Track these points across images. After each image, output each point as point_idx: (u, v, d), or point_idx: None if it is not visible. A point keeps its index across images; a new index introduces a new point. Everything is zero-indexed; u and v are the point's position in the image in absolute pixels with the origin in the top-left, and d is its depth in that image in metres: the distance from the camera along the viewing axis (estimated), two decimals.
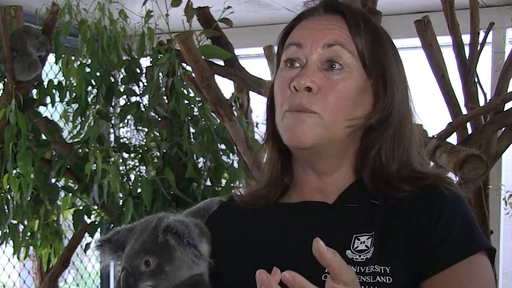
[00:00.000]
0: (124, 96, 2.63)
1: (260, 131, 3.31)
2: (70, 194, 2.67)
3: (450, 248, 1.00)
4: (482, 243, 1.03)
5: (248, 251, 1.10)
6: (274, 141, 1.15)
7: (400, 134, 1.09)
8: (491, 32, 2.45)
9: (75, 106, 2.58)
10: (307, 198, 1.13)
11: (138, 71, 2.60)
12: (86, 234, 2.74)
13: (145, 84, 2.59)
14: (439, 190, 1.05)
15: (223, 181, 2.61)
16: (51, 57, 2.62)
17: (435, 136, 2.03)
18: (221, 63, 2.53)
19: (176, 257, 1.00)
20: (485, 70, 3.07)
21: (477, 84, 2.41)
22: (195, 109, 2.56)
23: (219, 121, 2.41)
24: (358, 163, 1.10)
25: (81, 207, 2.62)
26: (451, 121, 2.20)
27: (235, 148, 2.41)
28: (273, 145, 1.16)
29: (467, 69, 2.40)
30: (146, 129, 2.63)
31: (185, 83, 2.58)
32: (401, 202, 1.06)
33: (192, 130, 2.56)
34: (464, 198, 1.09)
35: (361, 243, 1.03)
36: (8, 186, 2.46)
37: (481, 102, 2.39)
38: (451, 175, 1.24)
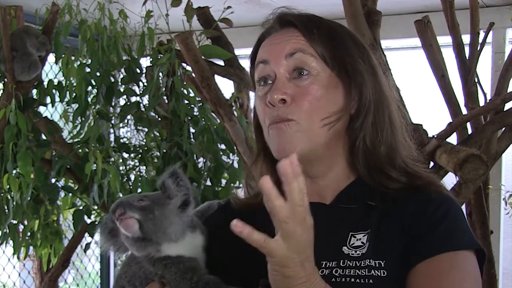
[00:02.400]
0: (124, 96, 2.63)
1: None
2: (70, 194, 2.67)
3: (436, 239, 1.05)
4: (470, 242, 1.06)
5: (245, 251, 1.08)
6: (265, 155, 1.19)
7: (379, 120, 1.13)
8: (491, 32, 2.45)
9: (75, 106, 2.58)
10: None
11: (138, 71, 2.60)
12: (86, 234, 2.74)
13: (145, 84, 2.59)
14: (433, 194, 1.10)
15: (223, 181, 2.61)
16: (51, 57, 2.62)
17: (435, 136, 2.03)
18: (221, 63, 2.53)
19: (167, 208, 1.09)
20: (485, 70, 3.07)
21: (477, 84, 2.41)
22: (195, 109, 2.56)
23: (219, 121, 2.40)
24: (350, 159, 1.15)
25: (81, 207, 2.62)
26: (451, 121, 2.20)
27: (235, 148, 2.41)
28: (264, 158, 1.20)
29: (467, 69, 2.40)
30: (146, 129, 2.63)
31: (185, 83, 2.58)
32: (396, 203, 1.10)
33: (192, 130, 2.56)
34: (458, 203, 1.13)
35: (357, 240, 1.07)
36: (8, 186, 2.46)
37: (481, 102, 2.39)
38: (445, 180, 1.27)
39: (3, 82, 2.52)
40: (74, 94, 2.55)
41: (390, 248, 1.05)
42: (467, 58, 2.42)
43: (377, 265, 1.03)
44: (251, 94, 3.29)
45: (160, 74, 2.50)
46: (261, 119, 1.16)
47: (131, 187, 2.52)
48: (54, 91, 2.58)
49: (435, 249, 1.04)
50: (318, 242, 1.04)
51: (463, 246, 1.05)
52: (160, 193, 1.12)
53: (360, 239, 1.07)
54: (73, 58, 2.56)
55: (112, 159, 2.52)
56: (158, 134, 2.65)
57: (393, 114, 1.16)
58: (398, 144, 1.15)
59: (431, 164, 2.03)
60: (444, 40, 2.59)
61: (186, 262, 1.07)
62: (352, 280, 1.02)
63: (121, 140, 2.70)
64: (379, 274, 1.02)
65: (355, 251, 1.06)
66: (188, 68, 2.49)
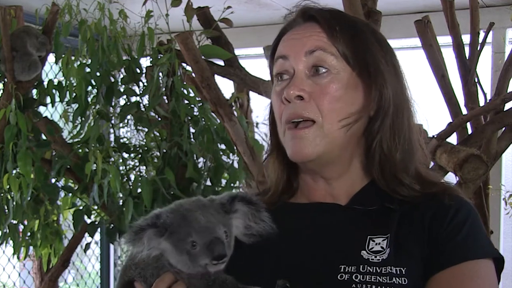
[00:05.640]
0: (124, 96, 2.62)
1: (260, 131, 3.31)
2: (70, 194, 2.67)
3: (455, 247, 1.02)
4: (489, 251, 1.04)
5: (260, 250, 1.09)
6: (279, 152, 1.17)
7: (398, 123, 1.10)
8: (491, 32, 2.45)
9: (75, 106, 2.58)
10: (317, 200, 1.14)
11: (138, 71, 2.60)
12: (86, 234, 2.74)
13: (145, 84, 2.59)
14: (450, 201, 1.07)
15: (223, 181, 2.61)
16: (51, 57, 2.62)
17: (435, 136, 2.03)
18: (221, 63, 2.53)
19: (233, 231, 1.05)
20: (485, 70, 3.07)
21: (477, 84, 2.41)
22: (195, 109, 2.56)
23: (219, 121, 2.40)
24: (365, 161, 1.12)
25: (81, 207, 2.62)
26: (451, 121, 2.20)
27: (235, 148, 2.41)
28: (277, 156, 1.18)
29: (467, 69, 2.40)
30: (146, 129, 2.63)
31: (185, 83, 2.58)
32: (415, 208, 1.07)
33: (192, 130, 2.56)
34: (475, 210, 1.10)
35: (376, 244, 1.04)
36: (8, 186, 2.46)
37: (481, 102, 2.39)
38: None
39: (3, 82, 2.52)
40: (74, 94, 2.55)
41: (411, 255, 1.03)
42: (467, 58, 2.42)
43: (398, 273, 1.00)
44: (251, 94, 3.29)
45: (160, 74, 2.50)
46: (276, 115, 1.13)
47: (131, 187, 2.52)
48: (54, 91, 2.58)
49: (455, 258, 1.01)
50: (335, 245, 1.05)
51: (483, 254, 1.03)
52: (218, 204, 1.06)
53: (379, 243, 1.04)
54: (73, 58, 2.56)
55: (112, 159, 2.52)
56: (158, 134, 2.65)
57: (412, 118, 1.14)
58: (414, 150, 1.12)
59: (431, 164, 2.03)
60: (444, 40, 2.59)
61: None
62: (373, 287, 0.99)
63: (121, 140, 2.70)
64: (400, 282, 0.99)
65: (375, 256, 1.03)
66: (188, 68, 2.49)
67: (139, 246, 1.01)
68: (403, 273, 1.00)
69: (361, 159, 1.12)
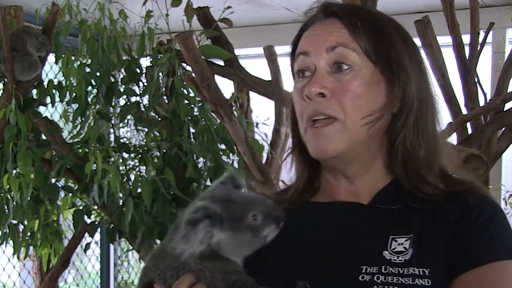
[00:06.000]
0: (124, 96, 2.62)
1: (260, 131, 3.32)
2: (70, 194, 2.67)
3: (481, 248, 1.00)
4: None
5: (280, 250, 1.07)
6: (300, 151, 1.15)
7: (422, 120, 1.08)
8: (491, 32, 2.45)
9: (75, 106, 2.57)
10: (338, 199, 1.13)
11: (138, 71, 2.60)
12: (86, 234, 2.74)
13: (145, 84, 2.59)
14: (476, 200, 1.05)
15: None
16: (51, 57, 2.62)
17: None
18: (221, 63, 2.53)
19: None
20: (485, 70, 3.07)
21: (477, 84, 2.41)
22: (195, 109, 2.56)
23: (219, 121, 2.40)
24: (388, 159, 1.10)
25: (81, 207, 2.62)
26: (451, 121, 2.20)
27: (235, 148, 2.41)
28: (298, 154, 1.16)
29: (467, 69, 2.41)
30: (146, 129, 2.63)
31: (185, 83, 2.58)
32: (439, 207, 1.05)
33: (192, 130, 2.56)
34: (502, 209, 1.09)
35: (398, 244, 1.02)
36: (8, 186, 2.46)
37: (481, 102, 2.39)
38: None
39: (3, 82, 2.52)
40: (74, 94, 2.55)
41: (434, 256, 1.00)
42: (467, 58, 2.42)
43: (421, 274, 0.98)
44: (251, 94, 3.29)
45: (160, 74, 2.50)
46: (298, 113, 1.11)
47: (131, 187, 2.52)
48: (54, 91, 2.58)
49: (481, 258, 0.99)
50: (356, 245, 1.03)
51: (510, 255, 1.00)
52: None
53: (402, 243, 1.02)
54: (73, 58, 2.56)
55: (112, 159, 2.52)
56: (158, 134, 2.65)
57: (436, 115, 1.12)
58: (438, 148, 1.10)
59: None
60: (444, 40, 2.59)
61: (232, 261, 1.03)
62: None
63: (121, 140, 2.70)
64: (423, 283, 0.97)
65: (397, 257, 1.00)
66: (188, 68, 2.49)
67: (193, 241, 0.99)
68: (426, 274, 0.98)
69: (383, 157, 1.10)
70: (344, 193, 1.12)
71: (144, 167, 2.64)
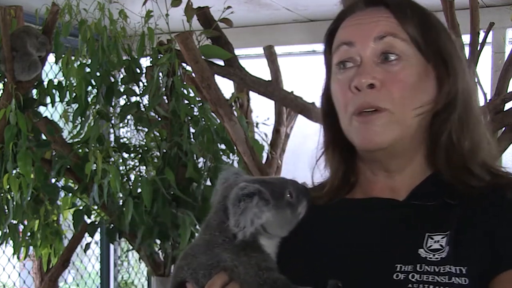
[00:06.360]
0: (124, 96, 2.63)
1: (260, 131, 3.32)
2: (70, 194, 2.67)
3: None
4: None
5: (314, 247, 1.06)
6: (335, 145, 1.12)
7: (467, 112, 1.05)
8: (491, 32, 2.45)
9: (75, 106, 2.58)
10: (374, 195, 1.10)
11: (138, 71, 2.60)
12: (86, 234, 2.74)
13: (145, 84, 2.59)
14: None
15: None
16: (51, 57, 2.62)
17: None
18: (221, 63, 2.53)
19: None
20: (485, 70, 3.07)
21: (477, 84, 2.41)
22: (195, 109, 2.56)
23: (219, 121, 2.41)
24: (430, 152, 1.06)
25: (81, 207, 2.62)
26: None
27: (235, 148, 2.41)
28: (334, 149, 1.13)
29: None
30: (146, 129, 2.63)
31: (185, 83, 2.58)
32: (477, 203, 1.01)
33: (192, 130, 2.56)
34: None
35: (434, 242, 0.98)
36: (8, 186, 2.46)
37: (481, 102, 2.39)
38: None
39: (3, 82, 2.52)
40: (74, 94, 2.55)
41: (472, 254, 0.96)
42: (467, 58, 2.42)
43: (458, 272, 0.94)
44: (251, 94, 3.29)
45: (160, 74, 2.50)
46: (340, 105, 1.06)
47: (131, 187, 2.52)
48: (54, 91, 2.58)
49: None
50: (391, 243, 1.01)
51: None
52: None
53: (438, 241, 0.98)
54: (73, 58, 2.56)
55: (112, 159, 2.52)
56: (158, 134, 2.65)
57: (479, 108, 1.09)
58: (481, 139, 1.06)
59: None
60: None
61: (267, 255, 1.02)
62: (431, 287, 0.93)
63: (121, 140, 2.71)
64: (460, 282, 0.93)
65: (433, 255, 0.97)
66: (188, 68, 2.49)
67: (243, 222, 0.98)
68: (463, 272, 0.94)
69: (425, 151, 1.07)
70: (381, 188, 1.09)
71: (144, 167, 2.64)
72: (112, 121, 2.67)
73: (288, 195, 1.02)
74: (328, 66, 1.11)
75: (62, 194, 2.69)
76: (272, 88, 2.63)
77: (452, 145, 1.04)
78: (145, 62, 2.66)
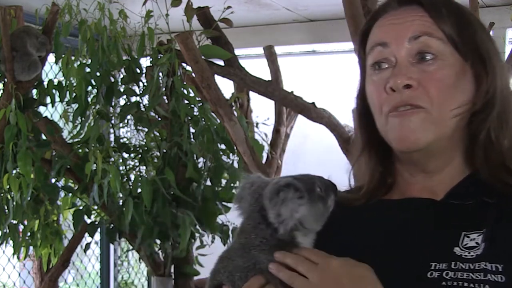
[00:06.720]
0: (124, 96, 2.63)
1: (260, 131, 3.32)
2: (70, 194, 2.67)
3: None
4: None
5: (349, 247, 1.04)
6: (372, 148, 1.11)
7: (506, 110, 1.04)
8: (491, 32, 2.45)
9: (75, 106, 2.58)
10: (412, 196, 1.08)
11: (138, 71, 2.60)
12: (86, 234, 2.74)
13: (145, 84, 2.59)
14: None
15: (223, 181, 2.61)
16: (51, 57, 2.62)
17: None
18: (221, 63, 2.53)
19: None
20: None
21: None
22: (195, 109, 2.56)
23: (219, 121, 2.41)
24: (469, 151, 1.05)
25: (81, 207, 2.62)
26: None
27: (235, 148, 2.41)
28: (370, 151, 1.12)
29: None
30: (146, 129, 2.63)
31: (185, 83, 2.58)
32: None
33: (192, 130, 2.56)
34: None
35: (470, 240, 0.97)
36: (8, 186, 2.46)
37: None
38: None
39: (3, 82, 2.52)
40: (74, 94, 2.55)
41: (509, 251, 0.94)
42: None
43: (494, 269, 0.92)
44: (251, 94, 3.29)
45: (160, 74, 2.50)
46: (376, 107, 1.04)
47: (131, 187, 2.52)
48: (54, 91, 2.58)
49: None
50: (426, 241, 1.00)
51: None
52: None
53: (474, 239, 0.97)
54: (73, 58, 2.56)
55: (112, 159, 2.52)
56: (158, 134, 2.65)
57: None
58: None
59: None
60: None
61: None
62: (465, 284, 0.92)
63: (121, 140, 2.71)
64: (496, 279, 0.91)
65: (469, 252, 0.96)
66: (188, 68, 2.49)
67: (283, 216, 0.98)
68: (500, 270, 0.92)
69: (463, 151, 1.05)
70: (419, 189, 1.08)
71: (144, 167, 2.64)
72: (112, 121, 2.67)
73: (318, 189, 1.02)
74: (362, 67, 1.10)
75: (62, 194, 2.69)
76: (272, 88, 2.64)
77: (490, 144, 1.02)
78: (145, 62, 2.67)
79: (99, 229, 2.76)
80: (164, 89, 2.52)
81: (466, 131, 1.04)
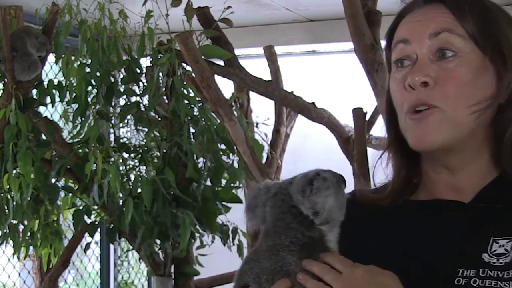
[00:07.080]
0: (124, 96, 2.63)
1: (260, 131, 3.32)
2: (70, 194, 2.67)
3: None
4: None
5: (376, 251, 1.03)
6: (397, 145, 1.09)
7: None
8: None
9: (75, 106, 2.58)
10: (438, 196, 1.06)
11: (138, 71, 2.60)
12: (86, 234, 2.74)
13: (145, 84, 2.59)
14: None
15: (223, 181, 2.61)
16: (51, 57, 2.62)
17: None
18: (221, 63, 2.53)
19: None
20: None
21: None
22: (195, 109, 2.56)
23: (219, 121, 2.41)
24: (495, 153, 1.02)
25: (81, 207, 2.62)
26: None
27: (235, 148, 2.41)
28: (396, 150, 1.10)
29: None
30: (146, 129, 2.63)
31: (185, 83, 2.58)
32: None
33: (192, 130, 2.56)
34: None
35: (499, 246, 0.95)
36: (8, 186, 2.46)
37: None
38: None
39: (3, 82, 2.52)
40: (74, 94, 2.55)
41: None
42: None
43: None
44: (251, 94, 3.29)
45: (160, 74, 2.50)
46: (397, 104, 1.04)
47: (131, 187, 2.52)
48: (54, 91, 2.58)
49: None
50: (454, 247, 0.98)
51: None
52: None
53: (503, 245, 0.95)
54: (73, 58, 2.56)
55: (112, 159, 2.52)
56: (158, 134, 2.65)
57: None
58: None
59: None
60: None
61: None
62: None
63: (121, 140, 2.71)
64: None
65: (497, 260, 0.93)
66: (188, 68, 2.49)
67: (319, 207, 0.98)
68: None
69: (490, 150, 1.03)
70: (444, 188, 1.06)
71: (144, 167, 2.64)
72: (112, 121, 2.67)
73: (336, 179, 1.02)
74: (389, 64, 1.10)
75: (62, 194, 2.69)
76: (272, 88, 2.64)
77: None
78: (145, 62, 2.67)
79: (99, 229, 2.76)
80: (164, 89, 2.52)
81: (491, 129, 1.02)
